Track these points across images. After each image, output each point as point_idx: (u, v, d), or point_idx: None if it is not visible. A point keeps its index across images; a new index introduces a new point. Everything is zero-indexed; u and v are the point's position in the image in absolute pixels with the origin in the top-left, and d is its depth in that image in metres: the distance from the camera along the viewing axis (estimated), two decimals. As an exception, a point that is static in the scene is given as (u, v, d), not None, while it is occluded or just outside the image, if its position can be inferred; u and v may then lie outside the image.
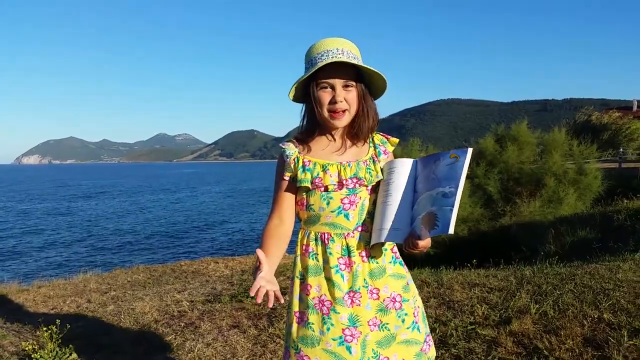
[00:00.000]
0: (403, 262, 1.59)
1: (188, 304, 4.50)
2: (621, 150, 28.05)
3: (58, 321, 3.49)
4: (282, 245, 1.55)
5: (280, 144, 1.58)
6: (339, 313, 1.44)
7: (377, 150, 1.60)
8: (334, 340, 1.43)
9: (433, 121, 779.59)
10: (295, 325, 1.50)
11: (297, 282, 1.53)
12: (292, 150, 1.54)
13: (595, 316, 3.31)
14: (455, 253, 9.33)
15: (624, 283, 4.06)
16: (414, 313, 1.53)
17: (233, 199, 50.18)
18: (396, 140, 1.67)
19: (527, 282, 4.33)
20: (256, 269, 1.36)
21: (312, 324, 1.45)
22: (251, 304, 4.21)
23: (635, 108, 51.43)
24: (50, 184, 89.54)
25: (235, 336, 3.41)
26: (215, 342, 3.33)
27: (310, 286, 1.49)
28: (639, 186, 14.66)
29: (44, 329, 3.37)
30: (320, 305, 1.46)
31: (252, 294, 1.29)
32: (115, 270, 8.17)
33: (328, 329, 1.44)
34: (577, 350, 2.80)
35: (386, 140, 1.65)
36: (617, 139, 36.72)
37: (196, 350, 3.18)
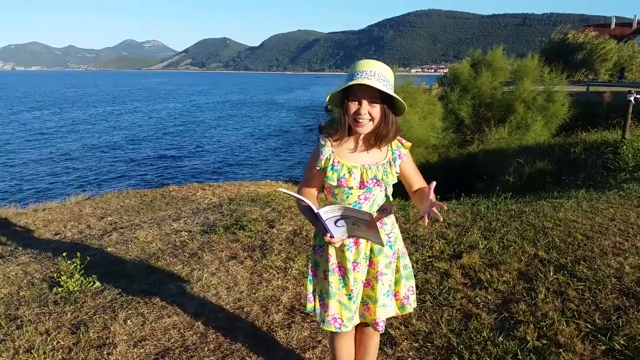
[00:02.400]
0: (394, 245, 2.08)
1: (187, 234, 5.09)
2: (590, 77, 28.63)
3: (79, 254, 4.03)
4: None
5: (320, 138, 2.01)
6: (349, 278, 2.01)
7: (394, 155, 2.00)
8: (345, 295, 2.04)
9: (412, 33, 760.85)
10: (323, 280, 2.08)
11: (326, 249, 2.05)
12: (327, 148, 1.96)
13: (532, 253, 4.02)
14: (425, 178, 10.04)
15: (562, 222, 4.79)
16: (389, 284, 2.08)
17: (215, 112, 49.75)
18: (409, 144, 2.06)
19: (481, 219, 5.03)
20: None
21: (332, 282, 2.04)
22: (244, 236, 4.83)
23: (612, 26, 51.53)
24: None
25: (234, 267, 4.04)
26: (219, 271, 3.95)
27: (331, 255, 2.03)
28: (604, 113, 15.32)
29: (69, 261, 3.92)
30: (338, 269, 2.03)
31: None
32: (107, 194, 8.62)
33: (343, 286, 2.04)
34: (511, 283, 3.51)
35: (401, 145, 2.03)
36: (590, 59, 37.32)
37: (203, 279, 3.80)
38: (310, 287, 2.15)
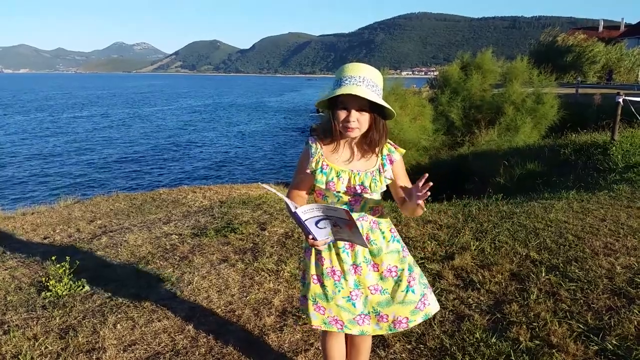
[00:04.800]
0: (400, 239, 2.06)
1: (177, 237, 5.05)
2: (579, 79, 28.87)
3: (68, 257, 3.98)
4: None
5: (309, 140, 1.98)
6: (347, 280, 1.96)
7: (384, 161, 1.96)
8: (343, 298, 1.97)
9: (402, 36, 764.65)
10: (312, 284, 2.02)
11: (314, 251, 2.01)
12: (316, 150, 1.95)
13: (524, 254, 4.03)
14: (416, 181, 10.04)
15: (553, 223, 4.80)
16: (407, 279, 2.01)
17: (208, 114, 49.60)
18: (403, 150, 2.02)
19: (472, 220, 5.04)
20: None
21: (327, 286, 1.98)
22: (235, 239, 4.79)
23: (601, 29, 52.14)
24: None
25: (225, 270, 4.00)
26: (209, 275, 3.91)
27: (324, 259, 1.98)
28: (593, 115, 15.44)
29: (58, 265, 3.87)
30: (332, 274, 1.97)
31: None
32: (96, 197, 8.55)
33: (339, 291, 1.97)
34: (503, 284, 3.51)
35: (394, 149, 1.99)
36: (579, 62, 37.76)
37: (194, 283, 3.76)
38: (302, 291, 2.11)
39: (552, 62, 26.96)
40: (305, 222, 1.74)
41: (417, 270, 2.08)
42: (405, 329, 2.02)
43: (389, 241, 2.00)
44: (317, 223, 1.76)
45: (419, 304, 2.00)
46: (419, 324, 3.00)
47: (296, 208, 1.69)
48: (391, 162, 1.95)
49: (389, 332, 2.04)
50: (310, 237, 1.80)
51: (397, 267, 1.99)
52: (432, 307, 2.05)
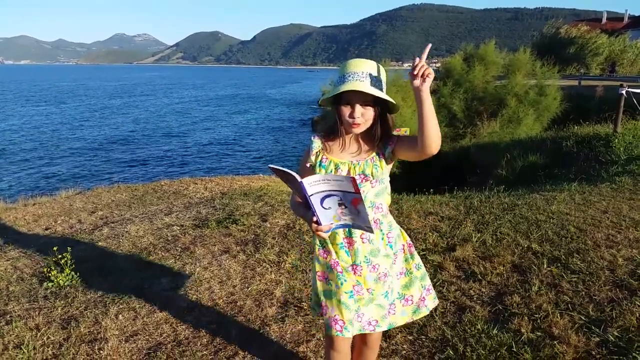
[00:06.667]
0: (393, 245, 2.00)
1: (179, 228, 5.05)
2: (581, 71, 28.72)
3: (69, 248, 3.99)
4: None
5: (313, 137, 1.97)
6: (349, 276, 1.92)
7: (384, 143, 1.92)
8: (346, 293, 1.90)
9: (404, 27, 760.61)
10: (319, 282, 1.99)
11: (317, 247, 1.99)
12: (316, 145, 1.94)
13: (525, 245, 4.02)
14: (418, 172, 10.04)
15: (555, 215, 4.79)
16: (389, 285, 1.99)
17: (210, 107, 49.56)
18: (406, 128, 1.97)
19: (474, 212, 5.03)
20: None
21: (331, 280, 1.94)
22: (237, 230, 4.79)
23: (604, 20, 51.87)
24: None
25: (227, 261, 4.01)
26: (211, 266, 3.92)
27: (327, 252, 1.95)
28: (596, 107, 15.38)
29: (59, 256, 3.88)
30: (335, 265, 1.93)
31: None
32: (98, 188, 8.56)
33: (342, 284, 1.91)
34: (505, 275, 3.51)
35: (396, 132, 1.92)
36: (582, 54, 37.58)
37: (196, 274, 3.77)
38: (314, 298, 2.05)
39: (555, 54, 26.84)
40: (311, 197, 1.66)
41: (397, 278, 2.04)
42: (372, 332, 1.98)
43: (386, 245, 1.96)
44: (322, 202, 1.69)
45: (387, 312, 1.98)
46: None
47: (301, 180, 1.62)
48: (391, 144, 1.91)
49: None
50: (315, 218, 1.73)
51: (387, 272, 1.96)
52: (398, 318, 2.02)
